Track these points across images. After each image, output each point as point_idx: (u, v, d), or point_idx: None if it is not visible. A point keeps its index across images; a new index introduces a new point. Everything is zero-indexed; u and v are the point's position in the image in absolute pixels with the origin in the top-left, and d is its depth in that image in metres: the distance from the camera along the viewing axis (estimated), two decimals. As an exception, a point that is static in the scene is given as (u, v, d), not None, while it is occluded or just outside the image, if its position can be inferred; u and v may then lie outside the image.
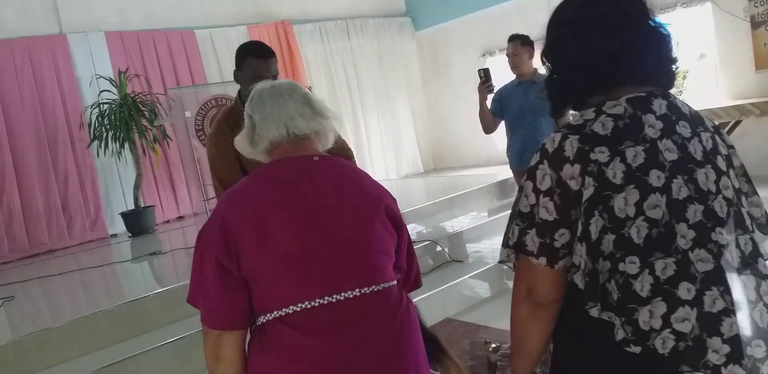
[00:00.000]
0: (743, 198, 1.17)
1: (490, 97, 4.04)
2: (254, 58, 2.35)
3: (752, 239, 1.14)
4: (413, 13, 8.98)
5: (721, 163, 1.13)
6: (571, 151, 1.07)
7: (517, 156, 4.03)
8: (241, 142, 1.46)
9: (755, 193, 1.20)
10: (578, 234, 1.06)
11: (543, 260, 1.10)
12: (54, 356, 2.99)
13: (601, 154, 1.05)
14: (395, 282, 1.40)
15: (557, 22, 1.19)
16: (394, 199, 1.49)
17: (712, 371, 1.03)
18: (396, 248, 1.44)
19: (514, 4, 7.51)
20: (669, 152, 1.08)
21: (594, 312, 1.07)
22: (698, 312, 1.04)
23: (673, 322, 1.03)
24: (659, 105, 1.11)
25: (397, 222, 1.45)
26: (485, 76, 3.85)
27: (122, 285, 4.22)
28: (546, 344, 1.19)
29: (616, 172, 1.05)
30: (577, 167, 1.06)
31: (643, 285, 1.04)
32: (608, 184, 1.05)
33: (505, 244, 1.17)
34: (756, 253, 1.13)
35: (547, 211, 1.08)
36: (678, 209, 1.06)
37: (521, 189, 1.14)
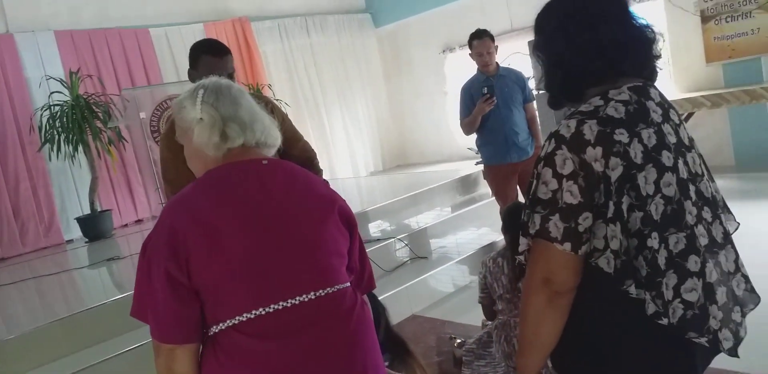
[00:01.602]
0: None
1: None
2: (209, 56, 2.30)
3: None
4: (373, 9, 8.96)
5: (699, 151, 1.26)
6: (591, 134, 1.09)
7: (501, 151, 3.99)
8: (204, 131, 1.33)
9: (713, 180, 1.29)
10: (610, 215, 1.08)
11: (568, 246, 1.09)
12: (9, 368, 2.88)
13: (622, 135, 1.10)
14: (348, 283, 1.39)
15: (557, 14, 1.22)
16: (344, 200, 1.48)
17: (713, 335, 1.14)
18: (348, 249, 1.42)
19: (474, 0, 7.56)
20: (670, 135, 1.17)
21: (632, 290, 1.10)
22: (703, 282, 1.14)
23: (683, 293, 1.11)
24: (654, 93, 1.20)
25: (350, 224, 1.43)
26: (490, 92, 3.85)
27: (80, 292, 4.09)
28: (559, 334, 1.18)
29: (636, 152, 1.10)
30: (599, 149, 1.08)
31: (661, 260, 1.10)
32: (632, 163, 1.09)
33: (525, 234, 1.16)
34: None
35: (571, 195, 1.09)
36: (684, 187, 1.15)
37: (538, 177, 1.14)
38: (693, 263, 1.13)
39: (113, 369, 2.87)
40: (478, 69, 4.03)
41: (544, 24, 1.25)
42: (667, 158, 1.13)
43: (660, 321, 1.10)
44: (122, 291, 3.57)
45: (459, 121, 4.14)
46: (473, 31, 3.95)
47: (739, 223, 1.30)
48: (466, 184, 5.81)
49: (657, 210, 1.10)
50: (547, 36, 1.24)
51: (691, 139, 1.25)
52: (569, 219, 1.09)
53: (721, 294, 1.17)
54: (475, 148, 5.96)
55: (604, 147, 1.08)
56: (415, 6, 8.27)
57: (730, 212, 1.30)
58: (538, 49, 1.27)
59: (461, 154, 7.86)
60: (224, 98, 1.36)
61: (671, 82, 6.18)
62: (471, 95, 4.00)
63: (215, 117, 1.33)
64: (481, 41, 3.89)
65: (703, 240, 1.16)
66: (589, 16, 1.18)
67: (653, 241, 1.10)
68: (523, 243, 1.18)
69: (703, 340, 1.13)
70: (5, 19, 6.02)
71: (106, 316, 3.22)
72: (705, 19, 5.84)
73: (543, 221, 1.12)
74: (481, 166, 5.84)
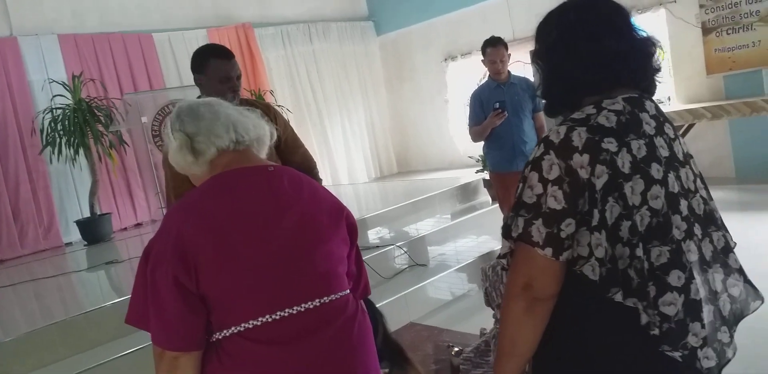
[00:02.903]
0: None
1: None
2: (218, 60, 2.30)
3: (724, 236, 1.24)
4: (376, 17, 9.01)
5: (694, 167, 1.25)
6: (580, 141, 1.10)
7: (508, 159, 3.99)
8: (177, 155, 1.38)
9: (711, 199, 1.28)
10: (595, 223, 1.08)
11: (549, 251, 1.09)
12: (6, 371, 2.88)
13: (610, 144, 1.10)
14: (349, 290, 1.40)
15: (558, 24, 1.23)
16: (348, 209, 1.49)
17: (689, 352, 1.13)
18: (347, 255, 1.43)
19: (476, 8, 7.61)
20: (662, 149, 1.16)
21: (618, 297, 1.09)
22: (685, 298, 1.12)
23: (660, 305, 1.11)
24: (650, 106, 1.20)
25: (353, 231, 1.45)
26: (501, 108, 3.87)
27: (78, 295, 4.09)
28: (537, 343, 1.17)
29: (624, 162, 1.10)
30: (586, 156, 1.09)
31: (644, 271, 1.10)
32: (619, 172, 1.09)
33: (507, 236, 1.16)
34: (727, 249, 1.24)
35: (555, 200, 1.09)
36: (673, 202, 1.14)
37: (524, 180, 1.15)
38: (675, 278, 1.12)
39: (110, 373, 2.86)
40: (489, 76, 4.04)
41: (544, 33, 1.26)
42: (656, 171, 1.13)
43: (652, 332, 1.10)
44: (120, 294, 3.57)
45: (468, 127, 4.15)
46: (487, 38, 3.96)
47: (735, 243, 1.27)
48: (466, 191, 5.81)
49: (642, 221, 1.10)
50: (548, 45, 1.25)
51: (687, 155, 1.23)
52: (552, 225, 1.09)
53: (707, 313, 1.16)
54: (476, 156, 5.99)
55: (591, 154, 1.09)
56: (417, 14, 8.31)
57: (726, 231, 1.28)
58: (538, 57, 1.28)
59: (462, 161, 7.87)
60: (189, 117, 1.39)
61: (672, 93, 6.20)
62: (481, 102, 4.01)
63: (182, 138, 1.37)
64: (494, 49, 3.90)
65: (692, 256, 1.15)
66: (590, 27, 1.19)
67: (640, 251, 1.10)
68: (504, 246, 1.18)
69: (676, 355, 1.12)
70: (9, 22, 6.05)
71: (103, 320, 3.22)
72: (706, 31, 5.87)
73: (526, 225, 1.12)
74: (482, 175, 5.86)
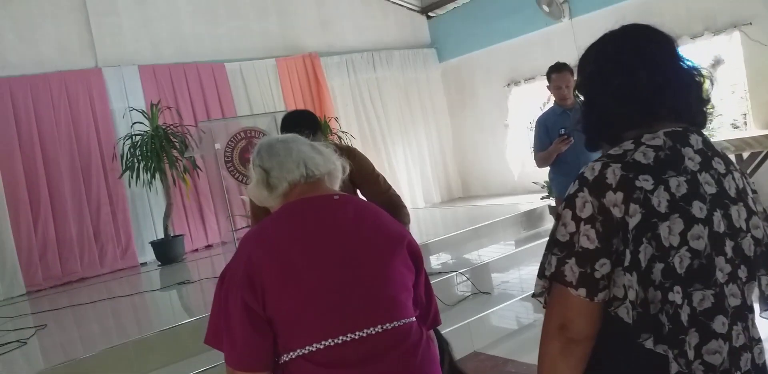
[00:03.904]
0: None
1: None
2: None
3: None
4: (438, 44, 9.11)
5: (752, 203, 1.16)
6: (614, 178, 1.07)
7: (567, 186, 3.96)
8: (255, 189, 1.50)
9: None
10: (626, 264, 1.04)
11: (582, 291, 1.06)
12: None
13: (645, 182, 1.05)
14: (414, 318, 1.41)
15: (597, 57, 1.21)
16: (411, 234, 1.52)
17: None
18: (414, 283, 1.45)
19: (539, 34, 7.59)
20: (708, 185, 1.09)
21: (649, 344, 1.05)
22: (729, 346, 1.06)
23: (705, 354, 1.05)
24: (695, 140, 1.13)
25: (417, 258, 1.47)
26: (567, 133, 3.87)
27: (151, 314, 4.26)
28: None
29: (660, 200, 1.05)
30: (620, 195, 1.05)
31: (684, 316, 1.04)
32: (654, 211, 1.04)
33: (541, 275, 1.14)
34: None
35: (588, 239, 1.06)
36: (718, 242, 1.08)
37: (558, 217, 1.13)
38: (720, 324, 1.06)
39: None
40: (555, 101, 4.02)
41: (585, 65, 1.24)
42: (698, 209, 1.06)
43: None
44: (191, 315, 3.69)
45: (533, 152, 4.12)
46: (551, 63, 3.95)
47: None
48: (531, 218, 5.73)
49: (681, 263, 1.04)
50: (586, 77, 1.23)
51: (741, 191, 1.14)
52: (585, 265, 1.06)
53: (744, 361, 1.09)
54: (542, 182, 5.91)
55: (625, 192, 1.05)
56: (480, 41, 8.35)
57: None
58: (578, 90, 1.27)
59: (525, 187, 7.76)
60: (267, 153, 1.49)
61: (750, 118, 5.95)
62: (546, 128, 3.98)
63: (260, 173, 1.47)
64: (560, 74, 3.88)
65: (734, 301, 1.08)
66: (626, 58, 1.15)
67: (675, 296, 1.04)
68: (538, 284, 1.15)
69: None
70: (95, 55, 6.48)
71: (176, 338, 3.34)
72: (785, 53, 5.63)
73: (559, 264, 1.09)
74: (547, 201, 5.77)
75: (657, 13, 6.03)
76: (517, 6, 7.64)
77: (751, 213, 1.14)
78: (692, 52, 6.03)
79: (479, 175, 9.03)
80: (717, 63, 6.03)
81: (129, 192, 6.32)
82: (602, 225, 1.06)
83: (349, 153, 2.57)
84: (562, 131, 3.84)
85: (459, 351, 3.43)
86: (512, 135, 8.27)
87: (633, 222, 1.04)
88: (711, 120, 6.43)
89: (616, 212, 1.05)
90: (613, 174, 1.07)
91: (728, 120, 6.19)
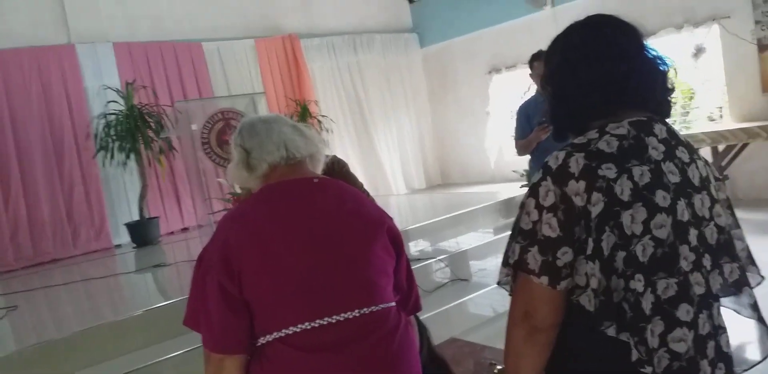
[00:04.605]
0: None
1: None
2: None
3: (740, 268, 1.17)
4: (420, 29, 9.05)
5: (714, 192, 1.17)
6: (577, 167, 1.07)
7: None
8: (235, 169, 1.48)
9: (738, 226, 1.22)
10: (589, 252, 1.05)
11: (545, 279, 1.07)
12: (58, 368, 2.96)
13: (608, 171, 1.06)
14: (393, 303, 1.41)
15: (563, 47, 1.21)
16: (393, 220, 1.51)
17: None
18: (395, 269, 1.45)
19: (521, 21, 7.58)
20: (672, 174, 1.10)
21: (611, 331, 1.06)
22: (695, 334, 1.07)
23: (670, 342, 1.06)
24: (660, 129, 1.13)
25: (398, 244, 1.47)
26: (548, 122, 3.85)
27: (126, 297, 4.20)
28: (541, 371, 1.16)
29: (623, 189, 1.05)
30: (582, 183, 1.05)
31: (646, 304, 1.05)
32: (617, 200, 1.05)
33: (505, 263, 1.15)
34: (742, 282, 1.17)
35: (550, 228, 1.07)
36: (682, 231, 1.08)
37: (522, 206, 1.13)
38: (684, 312, 1.06)
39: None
40: (536, 90, 4.03)
41: (551, 56, 1.24)
42: (662, 198, 1.07)
43: (643, 370, 1.05)
44: (167, 297, 3.65)
45: (514, 140, 4.13)
46: (534, 51, 3.95)
47: (763, 277, 1.21)
48: (509, 206, 5.75)
49: (644, 251, 1.05)
50: (553, 69, 1.23)
51: (704, 179, 1.15)
52: (547, 253, 1.07)
53: (710, 349, 1.11)
54: (521, 170, 5.94)
55: (588, 181, 1.05)
56: (462, 27, 8.32)
57: (754, 264, 1.22)
58: (545, 81, 1.27)
59: (504, 175, 7.81)
60: (248, 133, 1.47)
61: (726, 111, 6.05)
62: (527, 116, 3.99)
63: (241, 154, 1.45)
64: (542, 62, 3.86)
65: (699, 289, 1.09)
66: (591, 49, 1.16)
67: (637, 284, 1.04)
68: (502, 272, 1.16)
69: None
70: (68, 31, 6.29)
71: (151, 322, 3.29)
72: (762, 47, 5.71)
73: (522, 252, 1.10)
74: (526, 189, 5.81)
75: (638, 2, 6.06)
76: (500, -7, 7.62)
77: (714, 201, 1.15)
78: (673, 45, 6.09)
79: (458, 162, 9.06)
80: (699, 51, 6.09)
81: (103, 172, 6.20)
82: (564, 214, 1.06)
83: (341, 171, 2.52)
84: (543, 119, 3.85)
85: (437, 337, 3.43)
86: (493, 123, 8.29)
87: (595, 210, 1.05)
88: (687, 112, 6.54)
89: (578, 200, 1.06)
90: (576, 163, 1.07)
91: (704, 113, 6.29)
